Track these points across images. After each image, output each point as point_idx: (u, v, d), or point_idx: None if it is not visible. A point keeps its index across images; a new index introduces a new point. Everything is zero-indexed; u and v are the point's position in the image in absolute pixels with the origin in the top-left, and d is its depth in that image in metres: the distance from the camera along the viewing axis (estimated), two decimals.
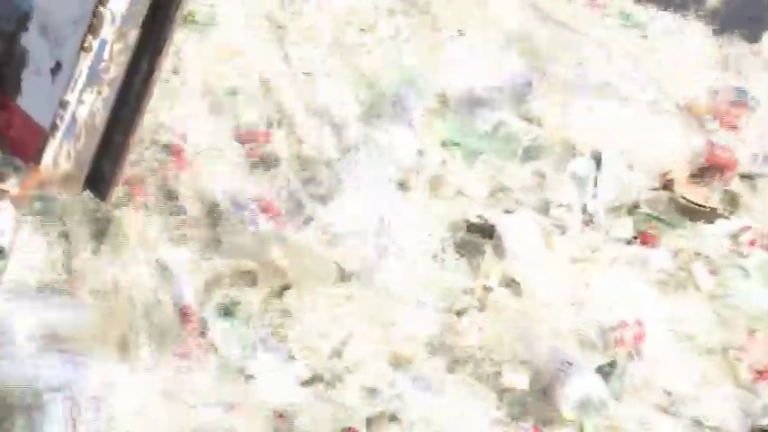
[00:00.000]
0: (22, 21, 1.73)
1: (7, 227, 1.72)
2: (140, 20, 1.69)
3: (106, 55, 1.68)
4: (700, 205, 2.39)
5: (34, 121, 1.73)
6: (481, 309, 2.24)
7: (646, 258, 2.29)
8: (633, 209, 2.46)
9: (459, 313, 2.24)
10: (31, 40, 1.72)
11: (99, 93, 1.71)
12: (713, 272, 2.28)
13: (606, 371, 2.14)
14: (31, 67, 1.73)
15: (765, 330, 2.29)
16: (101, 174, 1.77)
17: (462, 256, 2.32)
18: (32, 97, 1.74)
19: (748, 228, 2.43)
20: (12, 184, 1.71)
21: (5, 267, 1.76)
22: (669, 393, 2.15)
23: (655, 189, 2.50)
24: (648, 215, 2.35)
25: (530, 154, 2.49)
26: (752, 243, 2.46)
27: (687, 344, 2.21)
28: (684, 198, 2.40)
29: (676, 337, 2.18)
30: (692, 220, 2.36)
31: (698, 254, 2.31)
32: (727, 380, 2.20)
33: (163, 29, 1.73)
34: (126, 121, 1.74)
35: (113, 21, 1.68)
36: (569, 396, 2.04)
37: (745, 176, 2.50)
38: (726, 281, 2.29)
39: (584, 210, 2.40)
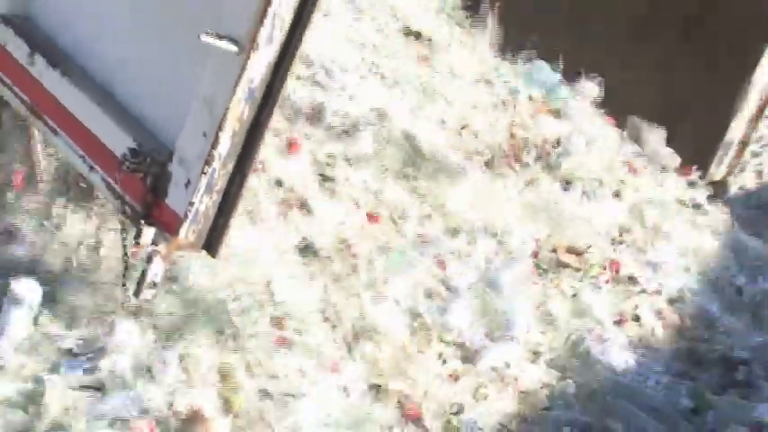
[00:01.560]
0: (169, 155, 2.93)
1: (159, 271, 2.93)
2: (235, 157, 2.90)
3: (216, 176, 2.86)
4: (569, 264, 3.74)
5: (175, 212, 2.94)
6: None
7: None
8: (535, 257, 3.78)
9: None
10: (174, 166, 2.91)
11: (211, 198, 2.89)
12: (575, 293, 3.60)
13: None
14: (173, 181, 2.93)
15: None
16: (211, 242, 2.97)
17: None
18: (174, 199, 2.92)
19: (604, 272, 3.74)
20: (162, 247, 2.92)
21: (157, 295, 2.98)
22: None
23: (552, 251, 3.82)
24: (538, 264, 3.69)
25: None
26: (607, 281, 3.76)
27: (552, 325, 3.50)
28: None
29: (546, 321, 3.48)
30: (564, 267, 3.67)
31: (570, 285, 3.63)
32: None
33: (247, 160, 2.94)
34: (226, 212, 2.94)
35: (220, 157, 2.88)
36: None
37: None
38: (583, 297, 3.61)
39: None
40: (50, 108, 3.08)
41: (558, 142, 4.23)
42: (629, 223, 4.13)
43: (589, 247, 3.81)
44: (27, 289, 3.10)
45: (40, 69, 3.06)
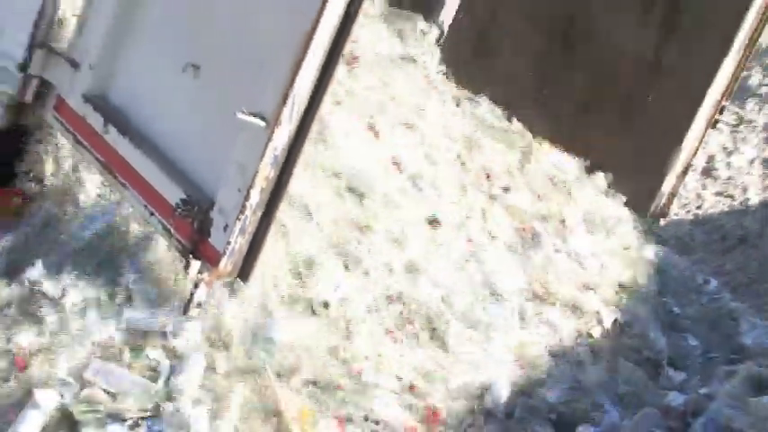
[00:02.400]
0: (212, 205, 3.70)
1: (203, 295, 3.71)
2: (263, 207, 3.67)
3: (247, 222, 3.62)
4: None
5: (216, 249, 3.71)
6: None
7: None
8: None
9: None
10: (215, 213, 3.66)
11: (244, 238, 3.64)
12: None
13: None
14: (214, 225, 3.69)
15: None
16: (243, 271, 3.74)
17: None
18: (215, 239, 3.67)
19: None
20: (206, 276, 3.70)
21: (202, 314, 3.75)
22: None
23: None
24: None
25: None
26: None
27: None
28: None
29: None
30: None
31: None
32: None
33: (272, 209, 3.71)
34: (255, 249, 3.71)
35: (251, 208, 3.65)
36: None
37: None
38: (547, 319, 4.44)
39: None
40: (120, 166, 3.85)
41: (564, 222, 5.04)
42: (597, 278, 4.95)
43: (554, 293, 4.64)
44: (46, 398, 3.43)
45: (113, 137, 3.85)
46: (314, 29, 3.37)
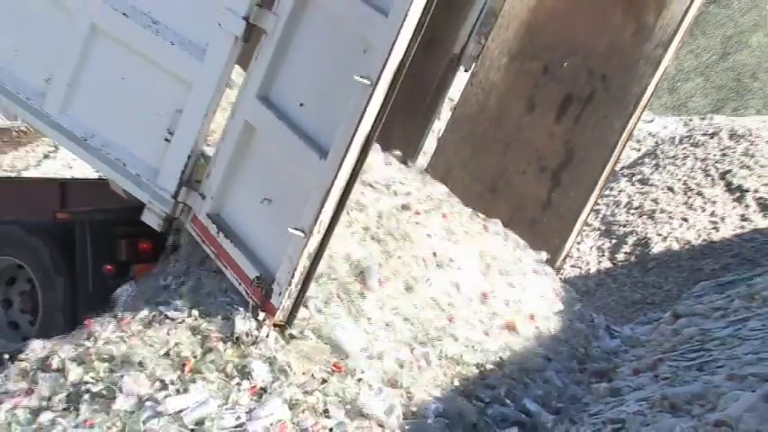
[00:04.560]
0: (273, 279, 6.03)
1: (266, 332, 6.07)
2: (301, 283, 6.01)
3: (293, 290, 5.99)
4: None
5: (274, 306, 6.01)
6: None
7: None
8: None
9: None
10: (275, 285, 5.95)
11: (290, 300, 6.04)
12: None
13: None
14: (274, 291, 5.96)
15: None
16: (289, 319, 6.06)
17: None
18: (274, 300, 5.93)
19: None
20: (267, 321, 6.02)
21: (266, 345, 6.11)
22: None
23: None
24: None
25: None
26: None
27: None
28: None
29: None
30: None
31: None
32: None
33: (306, 284, 6.07)
34: (296, 306, 6.00)
35: (295, 283, 6.00)
36: None
37: None
38: None
39: None
40: (224, 256, 6.21)
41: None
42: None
43: None
44: None
45: (221, 239, 6.23)
46: (331, 184, 5.79)
